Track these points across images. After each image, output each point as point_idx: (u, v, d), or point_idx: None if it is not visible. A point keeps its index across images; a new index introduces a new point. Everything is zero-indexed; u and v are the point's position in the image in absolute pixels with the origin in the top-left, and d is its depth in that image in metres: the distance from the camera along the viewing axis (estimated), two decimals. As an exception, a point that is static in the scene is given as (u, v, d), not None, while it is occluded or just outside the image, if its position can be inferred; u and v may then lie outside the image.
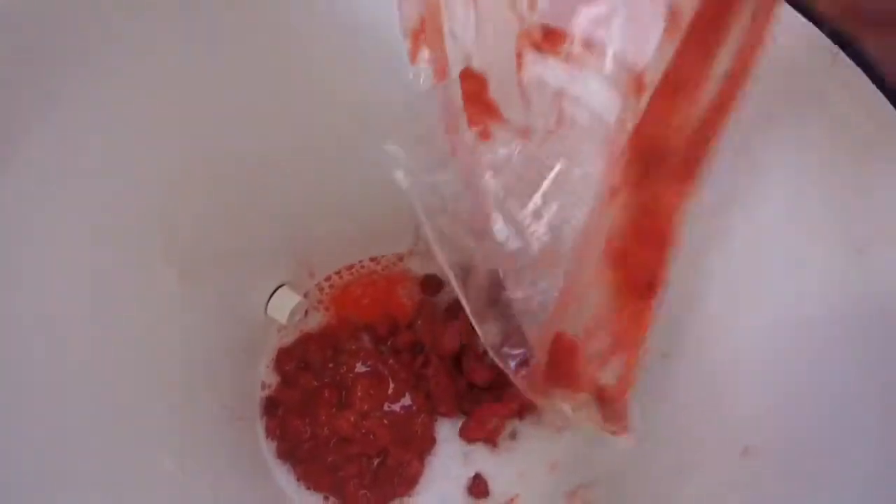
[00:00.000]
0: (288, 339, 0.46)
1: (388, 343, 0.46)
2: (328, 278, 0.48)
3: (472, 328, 0.32)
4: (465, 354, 0.43)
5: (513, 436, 0.43)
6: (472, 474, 0.41)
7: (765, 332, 0.30)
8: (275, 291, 0.45)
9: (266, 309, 0.45)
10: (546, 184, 0.32)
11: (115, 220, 0.32)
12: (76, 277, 0.30)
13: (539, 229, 0.32)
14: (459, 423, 0.43)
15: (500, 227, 0.32)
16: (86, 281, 0.31)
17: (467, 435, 0.43)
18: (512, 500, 0.41)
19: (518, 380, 0.33)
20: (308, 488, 0.42)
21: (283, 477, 0.42)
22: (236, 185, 0.38)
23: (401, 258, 0.50)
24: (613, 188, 0.27)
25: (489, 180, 0.32)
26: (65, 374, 0.29)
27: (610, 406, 0.30)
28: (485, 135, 0.32)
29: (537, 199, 0.32)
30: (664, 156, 0.26)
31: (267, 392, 0.45)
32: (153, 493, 0.33)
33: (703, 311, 0.33)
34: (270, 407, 0.44)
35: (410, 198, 0.29)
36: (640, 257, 0.28)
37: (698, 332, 0.33)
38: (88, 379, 0.30)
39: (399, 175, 0.28)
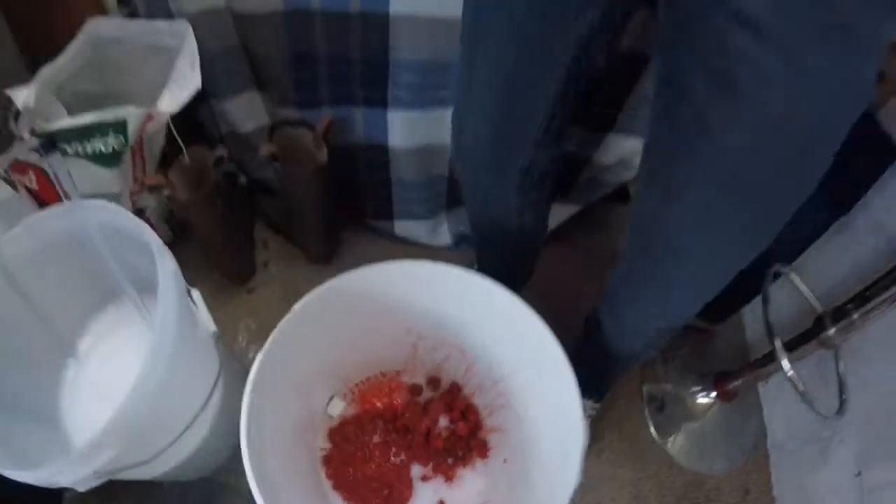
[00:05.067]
0: (334, 423, 0.84)
1: (393, 424, 0.84)
2: (357, 384, 0.86)
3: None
4: (431, 434, 0.82)
5: (459, 477, 0.81)
6: (436, 498, 0.80)
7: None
8: (330, 400, 0.83)
9: (326, 409, 0.82)
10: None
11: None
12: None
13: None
14: (430, 469, 0.82)
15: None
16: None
17: (433, 473, 0.81)
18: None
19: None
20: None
21: (337, 500, 0.80)
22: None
23: (398, 373, 0.87)
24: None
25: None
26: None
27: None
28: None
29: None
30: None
31: (323, 453, 0.82)
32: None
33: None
34: (327, 461, 0.82)
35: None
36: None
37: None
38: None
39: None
